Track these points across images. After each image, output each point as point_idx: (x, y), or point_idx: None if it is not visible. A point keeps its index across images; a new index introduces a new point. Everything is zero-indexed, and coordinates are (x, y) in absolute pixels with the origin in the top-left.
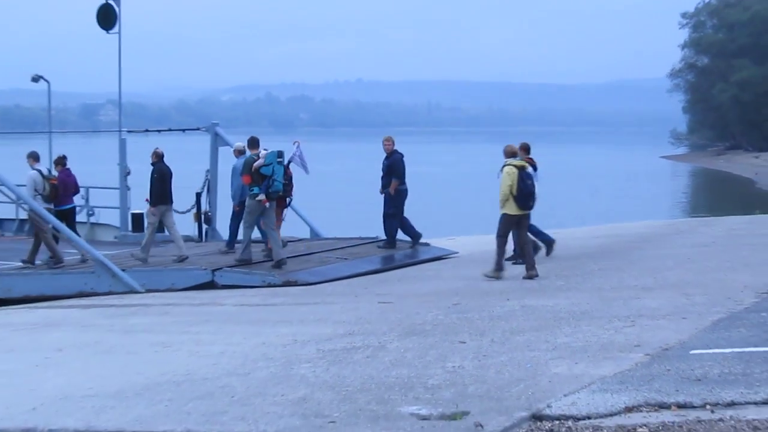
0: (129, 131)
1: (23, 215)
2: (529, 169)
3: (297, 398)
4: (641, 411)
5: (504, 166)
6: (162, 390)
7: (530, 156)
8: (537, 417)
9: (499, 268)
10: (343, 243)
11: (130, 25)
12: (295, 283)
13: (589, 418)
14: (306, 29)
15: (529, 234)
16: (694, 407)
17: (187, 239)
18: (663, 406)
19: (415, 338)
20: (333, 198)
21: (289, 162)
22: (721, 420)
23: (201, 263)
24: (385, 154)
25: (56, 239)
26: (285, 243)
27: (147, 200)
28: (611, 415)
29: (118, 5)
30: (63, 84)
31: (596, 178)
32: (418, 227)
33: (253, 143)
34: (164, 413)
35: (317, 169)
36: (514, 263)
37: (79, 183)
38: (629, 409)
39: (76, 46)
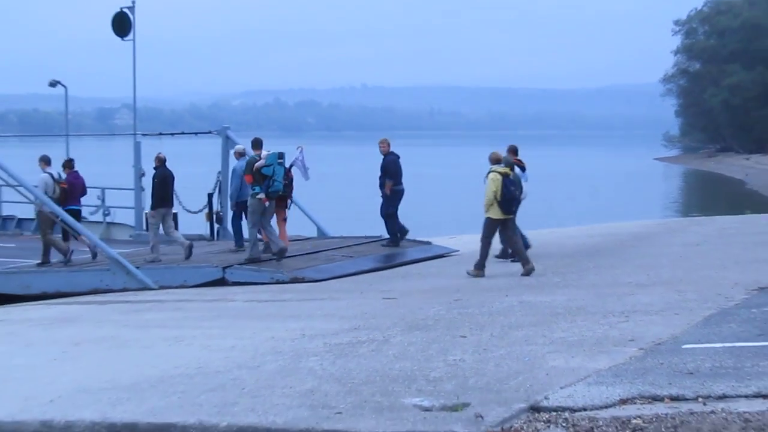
0: (143, 134)
1: None
2: (517, 171)
3: (305, 390)
4: (635, 403)
5: (489, 172)
6: (175, 383)
7: (518, 158)
8: (535, 408)
9: (480, 266)
10: (349, 242)
11: (144, 31)
12: (302, 280)
13: (585, 409)
14: (313, 37)
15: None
16: (686, 400)
17: (200, 238)
18: (656, 399)
19: (418, 333)
20: (339, 199)
21: (291, 166)
22: (712, 412)
23: (212, 261)
24: (382, 156)
25: (65, 237)
26: (286, 246)
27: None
28: (606, 407)
29: (133, 13)
30: (80, 89)
31: (592, 180)
32: (420, 226)
33: (257, 144)
34: (177, 405)
35: (325, 171)
36: (512, 261)
37: (96, 184)
38: (624, 402)
39: (92, 52)
